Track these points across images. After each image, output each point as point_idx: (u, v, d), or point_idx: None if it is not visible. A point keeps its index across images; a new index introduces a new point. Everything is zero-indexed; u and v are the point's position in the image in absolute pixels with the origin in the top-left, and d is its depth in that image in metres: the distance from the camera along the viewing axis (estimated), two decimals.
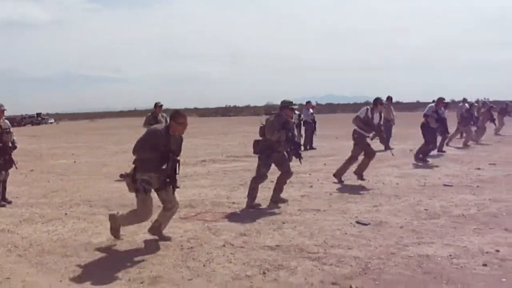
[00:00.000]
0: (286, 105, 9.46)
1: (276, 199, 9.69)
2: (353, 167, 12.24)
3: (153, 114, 14.80)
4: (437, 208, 9.01)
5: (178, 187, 7.30)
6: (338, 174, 12.23)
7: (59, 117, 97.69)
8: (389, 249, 6.54)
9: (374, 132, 12.24)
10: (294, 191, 10.68)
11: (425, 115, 16.53)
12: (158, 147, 6.91)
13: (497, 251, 6.41)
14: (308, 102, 22.31)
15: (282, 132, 9.27)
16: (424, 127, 16.29)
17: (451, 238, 7.08)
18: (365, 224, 7.89)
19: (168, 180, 7.10)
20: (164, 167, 6.97)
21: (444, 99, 16.69)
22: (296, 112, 19.32)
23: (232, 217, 8.74)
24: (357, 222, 8.03)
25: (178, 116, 7.11)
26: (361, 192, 10.49)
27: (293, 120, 9.89)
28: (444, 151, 18.19)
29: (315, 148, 21.14)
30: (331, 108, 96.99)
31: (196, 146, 24.34)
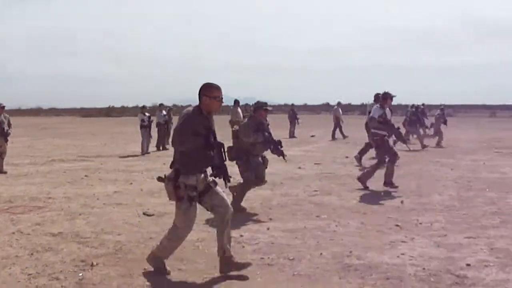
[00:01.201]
0: (260, 107, 9.40)
1: (236, 207, 8.89)
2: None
3: None
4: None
5: (230, 177, 5.98)
6: (363, 180, 11.86)
7: None
8: (151, 235, 7.60)
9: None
10: (111, 187, 11.66)
11: (372, 118, 16.14)
12: (200, 131, 5.58)
13: (241, 235, 7.61)
14: (161, 105, 23.33)
15: (259, 134, 9.21)
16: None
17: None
18: (149, 215, 8.96)
19: (216, 172, 5.79)
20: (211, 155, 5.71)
21: (379, 94, 16.66)
22: (146, 114, 20.36)
23: (40, 210, 9.50)
24: (144, 213, 9.10)
25: (211, 89, 5.74)
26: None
27: (267, 122, 9.70)
28: None
29: (167, 149, 22.10)
30: None
31: (57, 146, 24.78)
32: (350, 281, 5.72)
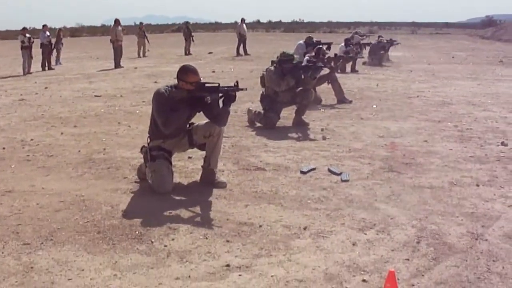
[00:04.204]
0: (286, 60, 9.22)
1: (299, 121, 9.58)
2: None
3: None
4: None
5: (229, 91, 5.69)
6: (340, 98, 12.32)
7: None
8: None
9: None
10: None
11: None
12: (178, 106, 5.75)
13: (32, 139, 8.60)
14: (45, 26, 23.64)
15: (287, 78, 9.17)
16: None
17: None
18: None
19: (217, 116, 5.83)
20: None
21: (312, 37, 15.01)
22: (27, 35, 20.92)
23: None
24: None
25: (187, 74, 5.67)
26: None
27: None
28: None
29: (53, 69, 22.82)
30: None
31: None
32: (78, 170, 6.80)
